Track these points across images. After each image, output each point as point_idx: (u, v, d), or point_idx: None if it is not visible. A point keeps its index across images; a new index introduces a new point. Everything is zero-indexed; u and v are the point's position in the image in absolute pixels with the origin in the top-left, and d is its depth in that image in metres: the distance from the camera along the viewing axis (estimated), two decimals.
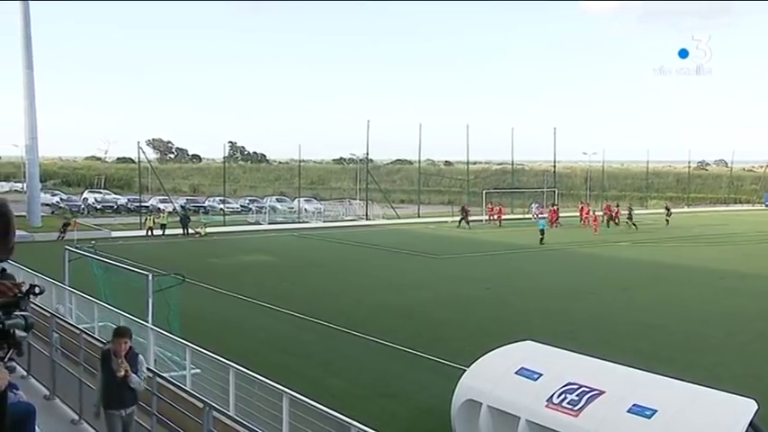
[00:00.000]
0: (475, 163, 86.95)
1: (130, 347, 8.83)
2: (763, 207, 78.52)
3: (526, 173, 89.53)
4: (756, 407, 8.98)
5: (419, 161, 73.72)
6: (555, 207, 57.05)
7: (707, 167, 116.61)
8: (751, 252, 39.90)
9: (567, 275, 31.17)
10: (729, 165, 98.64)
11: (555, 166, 74.78)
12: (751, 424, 8.75)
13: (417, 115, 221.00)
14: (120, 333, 9.03)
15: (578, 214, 56.12)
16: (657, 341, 19.36)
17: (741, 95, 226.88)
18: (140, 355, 9.13)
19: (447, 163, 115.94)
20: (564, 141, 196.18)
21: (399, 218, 59.02)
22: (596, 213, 52.76)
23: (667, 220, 55.54)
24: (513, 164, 74.01)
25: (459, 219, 53.06)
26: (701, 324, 21.56)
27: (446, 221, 55.89)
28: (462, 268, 32.94)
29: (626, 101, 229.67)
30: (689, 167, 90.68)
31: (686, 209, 75.03)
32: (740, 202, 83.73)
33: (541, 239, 42.13)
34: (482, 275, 30.72)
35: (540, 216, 50.06)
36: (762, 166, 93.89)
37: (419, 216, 60.13)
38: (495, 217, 56.32)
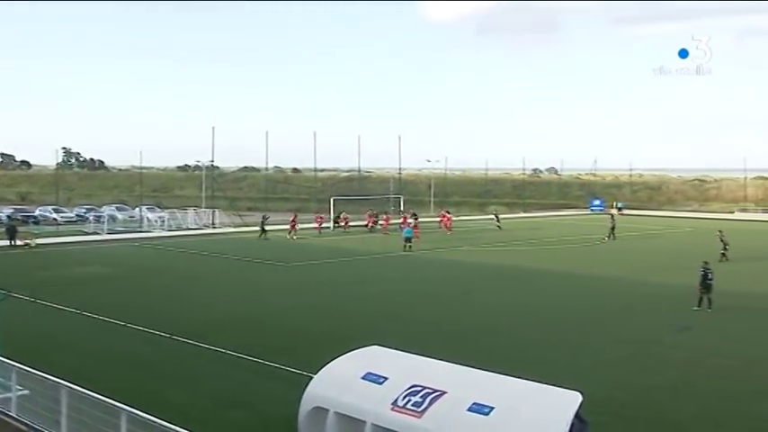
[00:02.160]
0: (323, 170, 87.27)
1: None
2: (589, 212, 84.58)
3: (372, 180, 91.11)
4: (581, 398, 9.65)
5: (266, 168, 72.96)
6: (387, 215, 58.43)
7: (540, 175, 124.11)
8: (578, 254, 42.94)
9: (413, 280, 32.01)
10: (559, 173, 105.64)
11: (400, 174, 76.71)
12: (576, 415, 9.40)
13: (265, 122, 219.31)
14: None
15: (439, 220, 57.75)
16: (491, 340, 20.35)
17: (567, 110, 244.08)
18: None
19: (295, 170, 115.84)
20: (409, 149, 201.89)
21: (246, 226, 58.04)
22: (418, 221, 54.28)
23: (498, 226, 58.01)
24: (359, 171, 75.10)
25: (259, 228, 50.18)
26: (535, 322, 22.89)
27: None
28: (311, 276, 32.93)
29: (467, 110, 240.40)
30: (524, 175, 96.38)
31: (522, 214, 79.35)
32: (569, 208, 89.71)
33: (406, 246, 42.28)
34: (332, 282, 30.89)
35: (402, 225, 50.95)
36: (587, 174, 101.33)
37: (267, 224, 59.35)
38: (343, 224, 56.74)
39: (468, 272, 34.54)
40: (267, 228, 50.37)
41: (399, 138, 73.59)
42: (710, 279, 24.62)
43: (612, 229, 50.13)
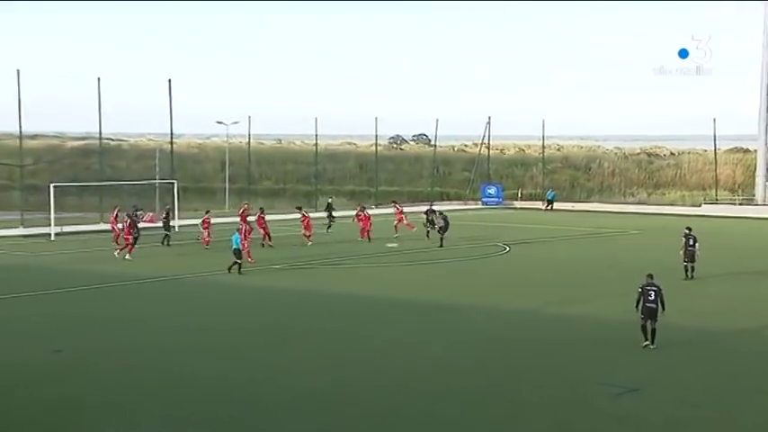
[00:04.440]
0: (36, 136, 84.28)
1: None
2: (481, 205, 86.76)
3: (125, 154, 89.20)
4: None
5: None
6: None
7: (402, 146, 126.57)
8: (463, 273, 44.06)
9: (195, 321, 31.79)
10: (433, 143, 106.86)
11: (172, 143, 75.24)
12: None
13: None
14: None
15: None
16: (338, 413, 20.27)
17: (443, 52, 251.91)
18: None
19: None
20: (188, 103, 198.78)
21: None
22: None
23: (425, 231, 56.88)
24: (101, 138, 72.82)
25: None
26: (398, 381, 23.03)
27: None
28: (12, 318, 32.14)
29: (286, 50, 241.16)
30: (377, 146, 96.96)
31: (375, 210, 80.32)
32: (449, 199, 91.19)
33: (238, 266, 41.70)
34: (48, 329, 30.35)
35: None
36: (476, 143, 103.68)
37: None
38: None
39: (285, 304, 34.79)
40: None
41: (170, 83, 71.26)
42: (653, 301, 26.09)
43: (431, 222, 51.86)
